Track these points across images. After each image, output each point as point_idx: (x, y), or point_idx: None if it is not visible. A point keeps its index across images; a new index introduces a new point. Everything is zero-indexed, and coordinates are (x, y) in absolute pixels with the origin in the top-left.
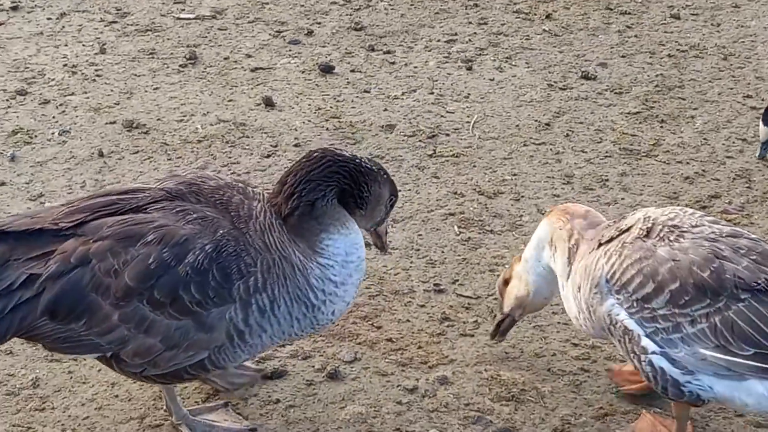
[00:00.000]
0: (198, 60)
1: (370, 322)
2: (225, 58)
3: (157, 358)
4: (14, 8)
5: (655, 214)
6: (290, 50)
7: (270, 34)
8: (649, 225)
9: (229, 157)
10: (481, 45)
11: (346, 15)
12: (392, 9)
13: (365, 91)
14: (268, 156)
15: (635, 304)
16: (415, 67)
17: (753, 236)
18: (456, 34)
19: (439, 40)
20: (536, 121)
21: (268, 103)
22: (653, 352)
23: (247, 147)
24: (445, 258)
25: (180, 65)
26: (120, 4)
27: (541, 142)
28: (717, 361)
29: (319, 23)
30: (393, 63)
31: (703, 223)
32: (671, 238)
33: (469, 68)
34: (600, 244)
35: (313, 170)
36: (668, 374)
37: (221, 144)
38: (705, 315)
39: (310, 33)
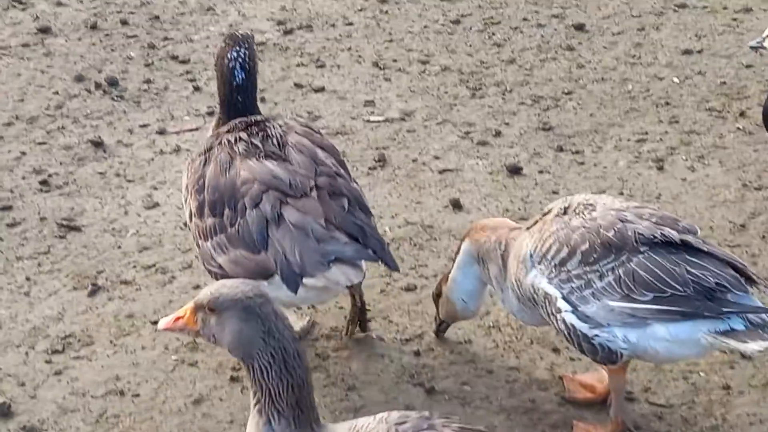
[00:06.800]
0: (387, 162)
1: None
2: (413, 160)
3: None
4: (210, 114)
5: (574, 197)
6: (478, 151)
7: (458, 136)
8: (567, 205)
9: (417, 260)
10: (672, 144)
11: (534, 115)
12: (581, 108)
13: (554, 192)
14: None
15: (554, 270)
16: (605, 167)
17: (657, 208)
18: (646, 133)
19: (629, 140)
20: (730, 222)
21: (456, 205)
22: (566, 311)
23: (434, 249)
24: (636, 365)
25: (369, 167)
26: (311, 108)
27: (736, 243)
28: (623, 309)
29: (507, 123)
30: (582, 163)
31: (615, 201)
32: (585, 213)
33: (660, 168)
34: (527, 229)
35: None
36: (578, 330)
37: (409, 246)
38: (611, 269)
39: (498, 134)
